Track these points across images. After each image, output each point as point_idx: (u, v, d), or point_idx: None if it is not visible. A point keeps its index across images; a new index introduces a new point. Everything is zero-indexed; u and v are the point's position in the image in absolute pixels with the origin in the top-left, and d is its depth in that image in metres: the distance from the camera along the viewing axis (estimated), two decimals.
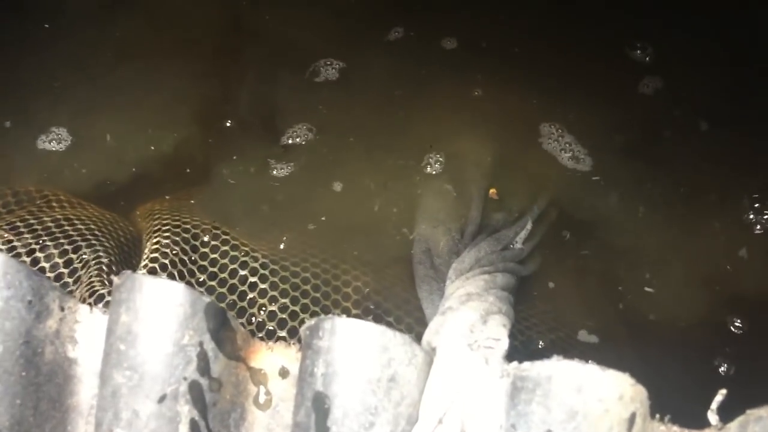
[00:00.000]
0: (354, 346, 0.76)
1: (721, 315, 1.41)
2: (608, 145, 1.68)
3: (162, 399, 0.79)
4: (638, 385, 0.72)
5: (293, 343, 0.90)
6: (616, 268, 1.50)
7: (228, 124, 1.80)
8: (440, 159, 1.62)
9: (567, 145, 1.65)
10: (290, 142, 1.73)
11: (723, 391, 0.77)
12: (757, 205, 1.53)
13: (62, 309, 0.89)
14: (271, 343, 0.89)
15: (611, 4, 1.94)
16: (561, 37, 1.91)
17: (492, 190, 1.57)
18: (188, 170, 1.71)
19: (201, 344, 0.81)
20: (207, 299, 0.81)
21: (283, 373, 0.88)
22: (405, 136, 1.68)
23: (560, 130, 1.68)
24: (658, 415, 0.78)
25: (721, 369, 1.29)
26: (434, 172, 1.60)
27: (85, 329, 0.91)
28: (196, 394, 0.80)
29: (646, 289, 1.44)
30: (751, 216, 1.52)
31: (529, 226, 1.45)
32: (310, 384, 0.77)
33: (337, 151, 1.70)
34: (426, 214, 1.49)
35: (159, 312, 0.79)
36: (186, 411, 0.79)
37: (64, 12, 2.01)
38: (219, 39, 2.00)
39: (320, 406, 0.76)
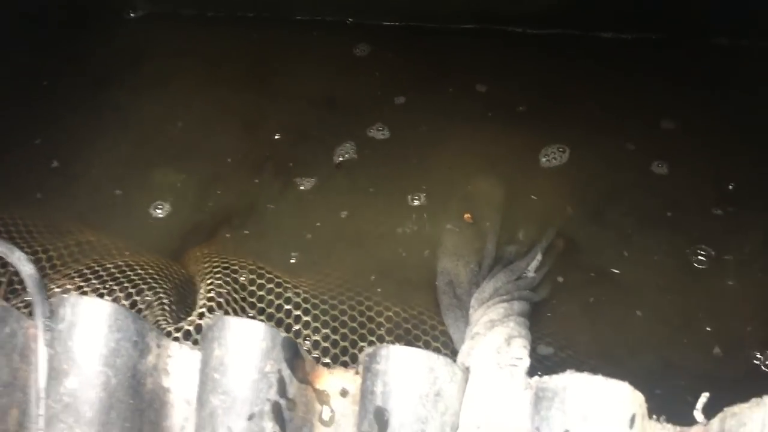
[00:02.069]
0: (406, 368, 0.94)
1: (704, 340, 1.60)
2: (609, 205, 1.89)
3: (251, 417, 0.97)
4: (636, 391, 0.90)
5: (351, 367, 1.08)
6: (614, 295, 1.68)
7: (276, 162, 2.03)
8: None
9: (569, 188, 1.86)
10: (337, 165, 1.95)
11: (706, 394, 0.95)
12: None
13: (158, 346, 1.07)
14: (331, 368, 1.07)
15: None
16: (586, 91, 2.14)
17: (467, 215, 1.77)
18: (235, 215, 1.92)
19: (279, 371, 0.99)
20: (283, 334, 0.99)
21: (343, 393, 1.05)
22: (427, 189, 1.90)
23: (564, 173, 1.89)
24: (654, 416, 0.95)
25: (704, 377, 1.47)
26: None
27: (175, 362, 1.09)
28: (277, 412, 0.98)
29: (638, 312, 1.63)
30: None
31: (539, 257, 1.64)
32: (371, 400, 0.95)
33: (363, 195, 1.90)
34: (447, 249, 1.68)
35: (246, 346, 0.97)
36: (270, 427, 0.97)
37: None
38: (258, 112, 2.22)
39: (381, 418, 0.94)
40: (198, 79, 2.27)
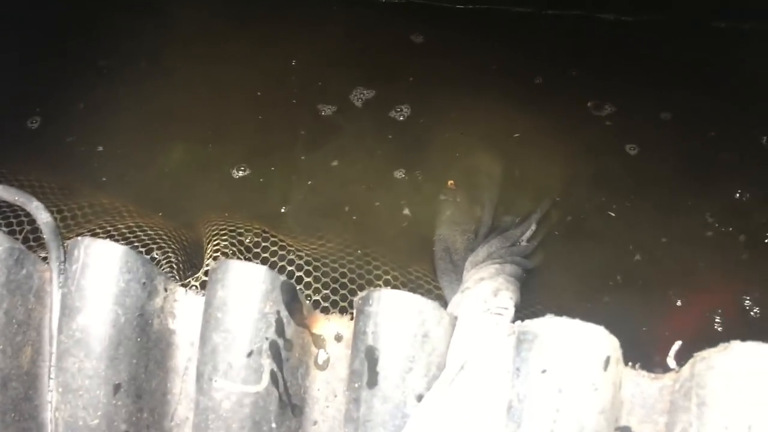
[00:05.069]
0: (396, 310, 1.00)
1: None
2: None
3: (250, 354, 1.03)
4: (612, 336, 0.95)
5: (346, 314, 1.14)
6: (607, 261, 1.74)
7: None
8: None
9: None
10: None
11: (679, 342, 1.01)
12: None
13: (166, 290, 1.14)
14: (328, 315, 1.13)
15: None
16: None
17: (450, 182, 1.83)
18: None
19: (278, 312, 1.05)
20: (282, 278, 1.06)
21: (338, 337, 1.12)
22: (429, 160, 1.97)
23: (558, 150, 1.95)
24: (630, 363, 1.01)
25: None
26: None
27: (182, 306, 1.15)
28: (274, 351, 1.05)
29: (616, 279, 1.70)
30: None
31: (533, 227, 1.70)
32: (363, 340, 1.02)
33: (361, 166, 1.97)
34: (445, 218, 1.74)
35: (247, 287, 1.04)
36: (267, 364, 1.04)
37: None
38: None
39: (371, 356, 1.00)
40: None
